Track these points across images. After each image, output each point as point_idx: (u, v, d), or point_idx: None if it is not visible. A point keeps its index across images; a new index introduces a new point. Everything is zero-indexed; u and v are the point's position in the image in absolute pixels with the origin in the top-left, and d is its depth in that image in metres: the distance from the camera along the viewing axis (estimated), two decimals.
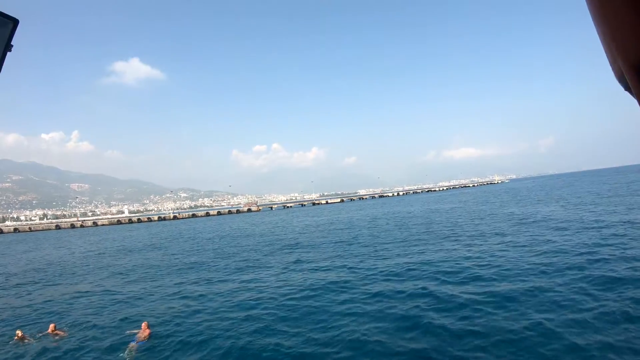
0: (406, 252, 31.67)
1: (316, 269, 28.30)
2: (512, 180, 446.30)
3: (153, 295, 24.32)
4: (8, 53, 2.40)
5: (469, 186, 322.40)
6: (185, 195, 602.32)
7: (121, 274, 33.53)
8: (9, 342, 17.60)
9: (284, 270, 29.03)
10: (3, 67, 2.40)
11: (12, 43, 2.34)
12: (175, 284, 27.26)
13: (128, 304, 22.61)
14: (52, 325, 18.28)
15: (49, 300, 25.39)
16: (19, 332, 17.92)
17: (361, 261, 29.68)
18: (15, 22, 2.21)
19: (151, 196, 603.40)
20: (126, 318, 19.54)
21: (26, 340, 17.47)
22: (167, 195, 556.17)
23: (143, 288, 26.76)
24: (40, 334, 18.01)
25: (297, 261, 32.47)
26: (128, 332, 16.90)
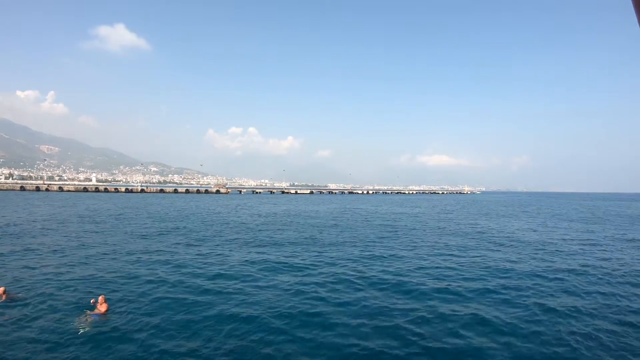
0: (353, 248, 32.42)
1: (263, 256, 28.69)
2: (482, 193, 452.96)
3: (114, 270, 23.97)
4: None
5: (437, 193, 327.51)
6: (155, 169, 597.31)
7: (83, 244, 33.00)
8: None
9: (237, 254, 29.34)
10: None
11: None
12: (137, 259, 27.11)
13: (86, 276, 22.28)
14: (1, 289, 17.79)
15: (5, 263, 25.14)
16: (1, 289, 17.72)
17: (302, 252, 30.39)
18: None
19: (121, 167, 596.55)
20: (83, 290, 19.33)
21: None
22: (137, 167, 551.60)
23: (104, 261, 26.48)
24: None
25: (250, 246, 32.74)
26: (91, 302, 16.46)
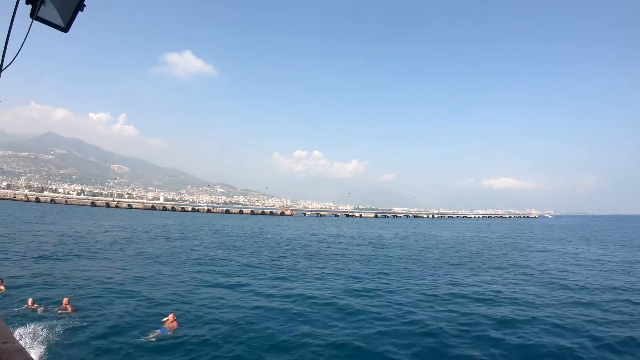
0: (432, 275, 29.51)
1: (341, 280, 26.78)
2: (553, 216, 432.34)
3: (185, 287, 23.31)
4: (79, 12, 2.88)
5: (505, 217, 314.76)
6: (221, 190, 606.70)
7: (155, 260, 32.83)
8: (21, 307, 16.92)
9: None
10: (72, 25, 2.91)
11: (84, 3, 2.86)
12: (208, 279, 26.23)
13: (158, 291, 21.78)
14: (65, 300, 17.35)
15: (72, 276, 24.58)
16: (30, 300, 17.21)
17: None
18: None
19: (188, 187, 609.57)
20: (154, 305, 18.75)
21: (38, 310, 16.68)
22: (204, 188, 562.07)
23: (175, 278, 25.87)
24: (54, 307, 17.15)
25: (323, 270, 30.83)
26: (161, 320, 16.03)
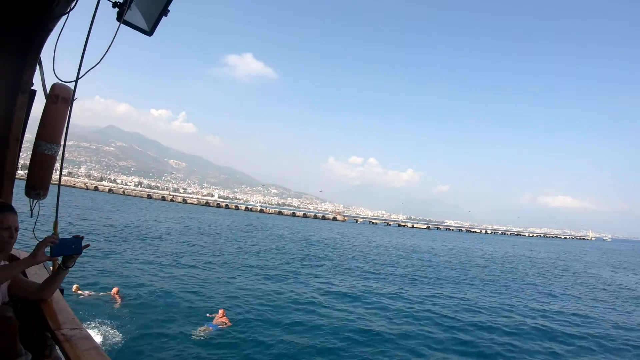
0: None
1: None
2: (613, 240, 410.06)
3: (236, 283, 22.76)
4: (163, 17, 3.08)
5: (559, 237, 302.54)
6: (275, 191, 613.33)
7: (205, 254, 32.50)
8: (66, 292, 15.63)
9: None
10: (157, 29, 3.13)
11: (169, 8, 3.03)
12: (260, 276, 25.62)
13: (208, 286, 21.27)
14: (115, 289, 16.86)
15: (125, 264, 24.43)
16: (75, 286, 16.68)
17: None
18: None
19: (242, 186, 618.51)
20: (203, 300, 18.31)
21: (82, 295, 16.32)
22: (258, 188, 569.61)
23: (226, 274, 25.26)
24: (102, 295, 16.74)
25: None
26: (207, 315, 15.71)
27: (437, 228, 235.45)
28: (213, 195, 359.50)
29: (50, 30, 3.69)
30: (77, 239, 3.13)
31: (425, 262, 43.12)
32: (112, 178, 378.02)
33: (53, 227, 3.52)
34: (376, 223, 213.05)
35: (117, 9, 2.85)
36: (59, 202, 3.56)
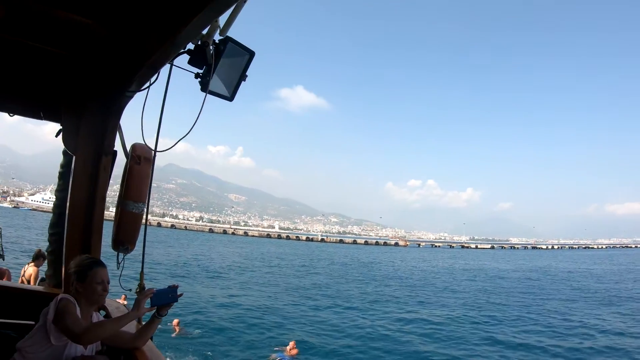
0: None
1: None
2: None
3: (302, 314, 22.82)
4: (242, 82, 3.43)
5: (630, 247, 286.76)
6: (335, 220, 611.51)
7: (271, 285, 32.87)
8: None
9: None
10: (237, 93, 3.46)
11: (247, 74, 3.42)
12: (326, 307, 25.48)
13: (275, 317, 21.36)
14: (175, 320, 17.31)
15: (187, 297, 24.36)
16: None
17: None
18: (251, 54, 3.35)
19: (302, 216, 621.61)
20: (272, 331, 18.57)
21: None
22: (318, 217, 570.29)
23: (292, 305, 25.39)
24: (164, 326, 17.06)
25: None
26: (275, 348, 15.81)
27: (502, 247, 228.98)
28: (274, 227, 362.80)
29: (130, 98, 4.14)
30: (173, 289, 3.36)
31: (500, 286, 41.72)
32: (174, 214, 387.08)
33: (139, 278, 3.88)
34: (439, 246, 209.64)
35: (199, 79, 3.21)
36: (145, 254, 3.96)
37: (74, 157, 4.46)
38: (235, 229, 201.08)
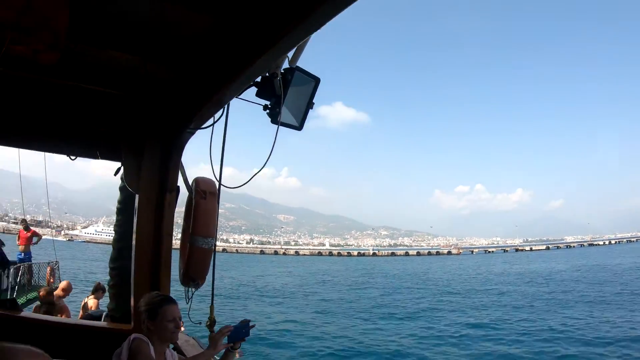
0: None
1: None
2: None
3: (365, 331, 22.60)
4: (310, 110, 3.45)
5: None
6: (385, 233, 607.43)
7: (324, 304, 32.79)
8: None
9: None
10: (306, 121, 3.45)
11: (313, 101, 3.42)
12: (389, 321, 25.27)
13: (334, 337, 20.99)
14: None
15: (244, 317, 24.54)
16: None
17: None
18: (317, 81, 3.34)
19: (352, 231, 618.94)
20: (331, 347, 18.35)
21: None
22: (368, 232, 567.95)
23: (357, 324, 24.72)
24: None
25: None
26: None
27: (557, 247, 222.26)
28: (324, 245, 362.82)
29: (193, 134, 4.22)
30: (246, 324, 3.38)
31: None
32: (225, 238, 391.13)
33: (210, 311, 3.90)
34: (492, 251, 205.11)
35: (267, 111, 3.20)
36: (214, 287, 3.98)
37: (136, 195, 4.51)
38: (286, 249, 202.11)
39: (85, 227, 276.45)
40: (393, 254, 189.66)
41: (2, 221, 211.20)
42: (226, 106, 3.58)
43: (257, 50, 2.48)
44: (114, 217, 5.61)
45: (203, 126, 3.97)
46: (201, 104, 3.57)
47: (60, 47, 2.62)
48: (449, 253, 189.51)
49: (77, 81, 3.85)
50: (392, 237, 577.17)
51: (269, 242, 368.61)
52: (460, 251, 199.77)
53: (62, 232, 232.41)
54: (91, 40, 3.11)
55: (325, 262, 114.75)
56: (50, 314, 7.26)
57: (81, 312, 9.91)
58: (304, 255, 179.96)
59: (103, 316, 6.51)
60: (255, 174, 3.48)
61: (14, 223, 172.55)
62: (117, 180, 4.99)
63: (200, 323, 4.04)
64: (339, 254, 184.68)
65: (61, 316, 8.63)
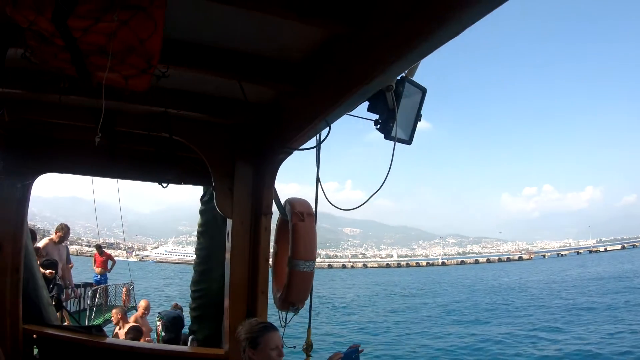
0: None
1: None
2: None
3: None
4: (418, 122, 3.26)
5: None
6: (453, 241, 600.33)
7: (404, 315, 32.63)
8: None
9: None
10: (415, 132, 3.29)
11: (421, 113, 3.24)
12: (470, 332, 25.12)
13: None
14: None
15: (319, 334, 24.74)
16: None
17: None
18: (424, 91, 3.17)
19: (419, 241, 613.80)
20: None
21: None
22: (435, 241, 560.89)
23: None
24: None
25: None
26: None
27: (633, 246, 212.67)
28: (392, 256, 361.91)
29: (289, 154, 4.05)
30: (355, 349, 3.35)
31: None
32: None
33: (307, 335, 3.88)
34: (565, 254, 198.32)
35: (377, 126, 3.05)
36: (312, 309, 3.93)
37: (229, 220, 4.41)
38: (354, 262, 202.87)
39: (155, 248, 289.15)
40: (463, 262, 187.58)
41: (76, 244, 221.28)
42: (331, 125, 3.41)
43: (383, 63, 2.27)
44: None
45: (303, 147, 3.86)
46: (305, 124, 3.41)
47: (151, 72, 2.47)
48: (520, 259, 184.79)
49: (165, 107, 3.83)
50: (460, 244, 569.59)
51: (336, 256, 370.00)
52: (532, 256, 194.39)
53: (134, 253, 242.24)
54: (182, 63, 3.01)
55: (395, 274, 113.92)
56: (138, 340, 7.34)
57: (158, 332, 10.05)
58: (372, 267, 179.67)
59: (190, 340, 6.50)
60: (373, 193, 3.27)
61: (86, 246, 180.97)
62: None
63: (294, 347, 3.95)
64: (408, 265, 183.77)
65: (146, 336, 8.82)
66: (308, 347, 3.87)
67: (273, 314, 4.21)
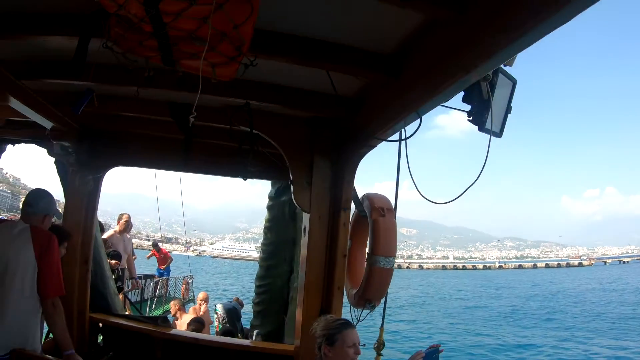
0: None
1: None
2: None
3: None
4: (509, 115, 3.08)
5: None
6: (511, 244, 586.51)
7: (460, 321, 32.60)
8: None
9: None
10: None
11: (511, 105, 3.07)
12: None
13: None
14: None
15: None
16: None
17: None
18: (514, 83, 3.01)
19: (476, 244, 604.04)
20: None
21: None
22: (493, 243, 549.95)
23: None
24: None
25: None
26: None
27: None
28: (448, 258, 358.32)
29: (371, 149, 4.01)
30: (436, 349, 3.27)
31: None
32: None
33: (379, 333, 3.84)
34: (628, 261, 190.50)
35: (470, 118, 2.86)
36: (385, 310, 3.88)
37: (306, 215, 4.35)
38: (409, 263, 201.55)
39: (212, 243, 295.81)
40: (520, 267, 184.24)
41: (136, 238, 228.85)
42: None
43: (488, 50, 2.13)
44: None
45: (391, 138, 3.68)
46: (394, 116, 3.28)
47: (239, 60, 2.36)
48: (580, 264, 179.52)
49: (247, 99, 3.79)
50: (518, 248, 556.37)
51: None
52: (593, 262, 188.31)
53: (191, 248, 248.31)
54: (271, 52, 2.91)
55: (451, 276, 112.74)
56: (199, 332, 7.44)
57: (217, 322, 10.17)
58: (428, 269, 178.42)
59: (255, 335, 6.54)
60: (466, 189, 3.16)
61: (145, 240, 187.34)
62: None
63: (364, 345, 3.59)
64: (464, 267, 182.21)
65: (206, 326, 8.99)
66: (379, 346, 3.82)
67: (344, 311, 4.21)
